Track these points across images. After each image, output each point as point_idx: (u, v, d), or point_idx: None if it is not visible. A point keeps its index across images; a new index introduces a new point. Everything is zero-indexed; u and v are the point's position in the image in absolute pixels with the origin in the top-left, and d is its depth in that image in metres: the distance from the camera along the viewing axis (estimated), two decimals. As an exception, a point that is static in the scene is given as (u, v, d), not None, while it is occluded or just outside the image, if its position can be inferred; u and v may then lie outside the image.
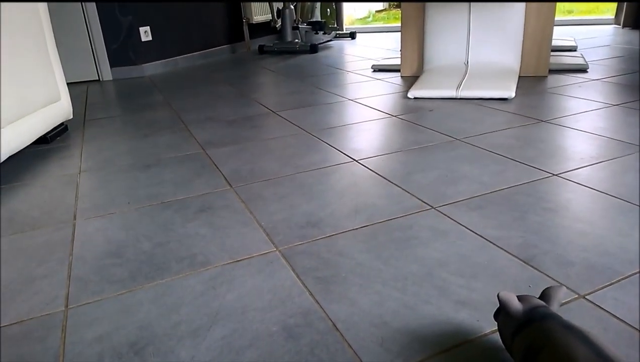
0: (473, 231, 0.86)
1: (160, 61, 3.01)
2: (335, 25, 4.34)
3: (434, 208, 0.96)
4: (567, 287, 0.68)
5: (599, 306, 0.64)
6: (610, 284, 0.68)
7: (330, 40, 3.86)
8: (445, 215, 0.93)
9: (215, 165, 1.29)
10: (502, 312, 0.54)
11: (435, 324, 0.63)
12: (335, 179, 1.14)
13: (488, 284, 0.70)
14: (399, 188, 1.06)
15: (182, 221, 0.97)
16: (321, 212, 0.97)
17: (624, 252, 0.76)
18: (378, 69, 2.51)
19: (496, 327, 0.61)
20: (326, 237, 0.87)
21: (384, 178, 1.12)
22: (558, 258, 0.76)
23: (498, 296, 0.52)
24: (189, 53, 3.21)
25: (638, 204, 0.83)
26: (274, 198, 1.05)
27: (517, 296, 0.54)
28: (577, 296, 0.67)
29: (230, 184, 1.15)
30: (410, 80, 2.20)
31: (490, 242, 0.82)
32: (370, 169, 1.18)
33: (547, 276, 0.71)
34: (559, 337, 0.45)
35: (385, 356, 0.58)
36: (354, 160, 1.26)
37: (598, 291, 0.67)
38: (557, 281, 0.70)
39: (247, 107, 1.93)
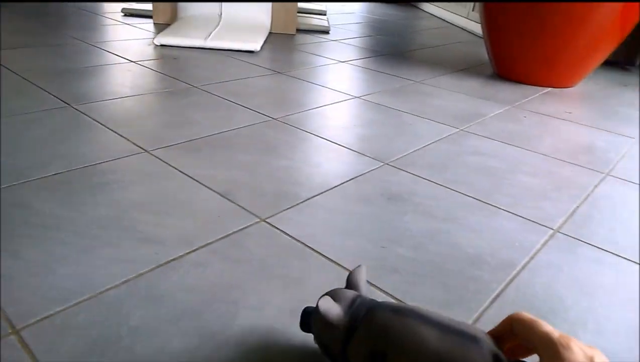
0: (181, 172, 0.85)
1: None
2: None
3: (148, 152, 0.91)
4: (253, 214, 0.73)
5: (274, 226, 0.71)
6: (291, 208, 0.76)
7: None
8: (158, 158, 0.89)
9: None
10: (322, 324, 0.44)
11: (110, 264, 0.59)
12: (38, 127, 0.97)
13: (182, 219, 0.70)
14: (113, 133, 0.97)
15: None
16: (8, 164, 0.81)
17: (310, 181, 0.86)
18: (129, 13, 2.27)
19: (170, 259, 0.61)
20: (4, 188, 0.73)
21: (100, 123, 1.02)
22: (253, 190, 0.80)
23: (317, 306, 0.43)
24: None
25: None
26: (-57, 149, 0.84)
27: (329, 295, 0.46)
28: (258, 220, 0.72)
29: None
30: (162, 28, 2.06)
31: (196, 180, 0.82)
32: (86, 115, 1.05)
33: (240, 206, 0.75)
34: (397, 329, 0.40)
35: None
36: (69, 105, 1.10)
37: (278, 213, 0.74)
38: (247, 210, 0.74)
39: (-62, 43, 1.50)
